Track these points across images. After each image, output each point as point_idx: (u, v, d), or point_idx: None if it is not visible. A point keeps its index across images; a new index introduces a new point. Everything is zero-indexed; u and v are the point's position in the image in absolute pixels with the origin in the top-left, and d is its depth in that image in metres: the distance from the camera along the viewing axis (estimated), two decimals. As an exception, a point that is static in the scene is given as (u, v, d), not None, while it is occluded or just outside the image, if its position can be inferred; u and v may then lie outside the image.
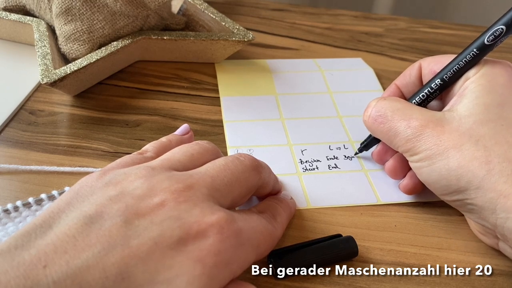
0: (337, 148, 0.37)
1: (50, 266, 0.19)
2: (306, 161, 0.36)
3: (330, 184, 0.34)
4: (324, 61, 0.48)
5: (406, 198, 0.33)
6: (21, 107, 0.39)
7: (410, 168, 0.32)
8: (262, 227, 0.25)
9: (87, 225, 0.21)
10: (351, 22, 0.56)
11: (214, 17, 0.45)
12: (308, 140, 0.38)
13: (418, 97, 0.32)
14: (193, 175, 0.24)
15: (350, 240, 0.28)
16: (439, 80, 0.31)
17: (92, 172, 0.33)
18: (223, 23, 0.44)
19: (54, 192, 0.29)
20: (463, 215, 0.32)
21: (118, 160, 0.26)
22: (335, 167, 0.35)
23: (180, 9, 0.49)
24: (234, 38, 0.43)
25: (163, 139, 0.30)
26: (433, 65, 0.32)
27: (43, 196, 0.29)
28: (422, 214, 0.32)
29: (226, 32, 0.44)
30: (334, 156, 0.36)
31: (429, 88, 0.31)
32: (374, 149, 0.35)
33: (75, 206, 0.22)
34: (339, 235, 0.29)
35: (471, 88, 0.29)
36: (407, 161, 0.31)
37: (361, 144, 0.36)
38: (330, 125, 0.39)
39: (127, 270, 0.20)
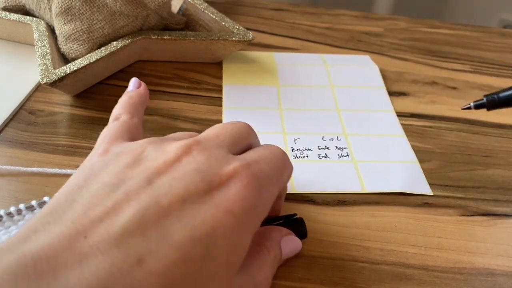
0: (330, 139, 0.38)
1: (91, 236, 0.18)
2: (297, 149, 0.36)
3: (318, 172, 0.35)
4: (331, 56, 0.48)
5: (390, 188, 0.33)
6: (21, 107, 0.38)
7: None
8: (275, 158, 0.25)
9: (113, 192, 0.20)
10: (351, 22, 0.56)
11: (214, 17, 0.45)
12: (302, 129, 0.38)
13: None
14: (195, 138, 0.24)
15: (299, 221, 0.29)
16: None
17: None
18: (223, 23, 0.44)
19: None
20: (463, 215, 0.32)
21: (105, 133, 0.26)
22: (325, 157, 0.36)
23: (180, 9, 0.49)
24: (234, 38, 0.43)
25: (123, 97, 0.30)
26: None
27: (45, 199, 0.29)
28: (422, 214, 0.32)
29: (226, 32, 0.44)
30: (325, 146, 0.37)
31: None
32: None
33: (93, 180, 0.21)
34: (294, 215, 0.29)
35: None
36: None
37: (496, 94, 0.31)
38: (327, 117, 0.40)
39: (164, 231, 0.19)
